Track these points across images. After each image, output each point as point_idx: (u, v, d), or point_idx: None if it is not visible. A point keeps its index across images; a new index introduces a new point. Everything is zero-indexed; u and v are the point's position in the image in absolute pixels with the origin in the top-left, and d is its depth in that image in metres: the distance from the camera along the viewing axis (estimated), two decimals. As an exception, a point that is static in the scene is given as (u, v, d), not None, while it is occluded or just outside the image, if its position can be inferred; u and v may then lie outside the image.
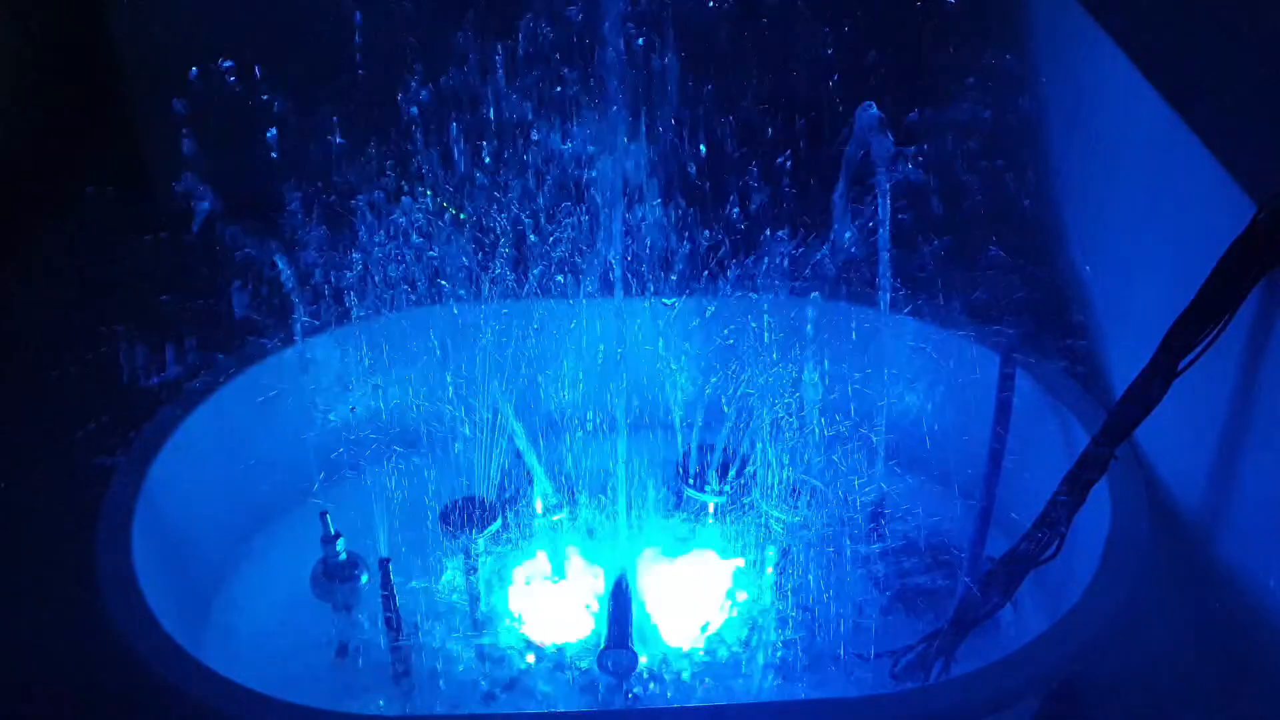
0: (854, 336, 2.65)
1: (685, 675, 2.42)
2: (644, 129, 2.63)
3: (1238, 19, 2.23)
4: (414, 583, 2.52)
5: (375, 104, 2.75)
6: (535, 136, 2.64)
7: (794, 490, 2.50)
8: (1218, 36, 2.27)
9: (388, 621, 2.38)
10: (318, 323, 2.75)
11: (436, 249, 2.68)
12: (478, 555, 2.49)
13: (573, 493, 2.73)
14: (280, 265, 2.53)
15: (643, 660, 2.40)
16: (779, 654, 2.45)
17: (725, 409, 2.65)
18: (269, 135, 2.68)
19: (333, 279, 2.64)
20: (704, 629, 2.51)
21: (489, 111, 2.69)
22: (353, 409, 2.65)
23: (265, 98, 2.83)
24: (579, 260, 2.68)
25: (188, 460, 2.47)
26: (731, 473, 2.68)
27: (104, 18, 3.42)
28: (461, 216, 2.52)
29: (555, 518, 2.71)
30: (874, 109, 2.38)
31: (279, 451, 2.71)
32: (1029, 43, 2.93)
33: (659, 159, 2.64)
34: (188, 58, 2.82)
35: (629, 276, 2.70)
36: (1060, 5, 2.71)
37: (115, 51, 3.45)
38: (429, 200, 2.60)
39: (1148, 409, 2.01)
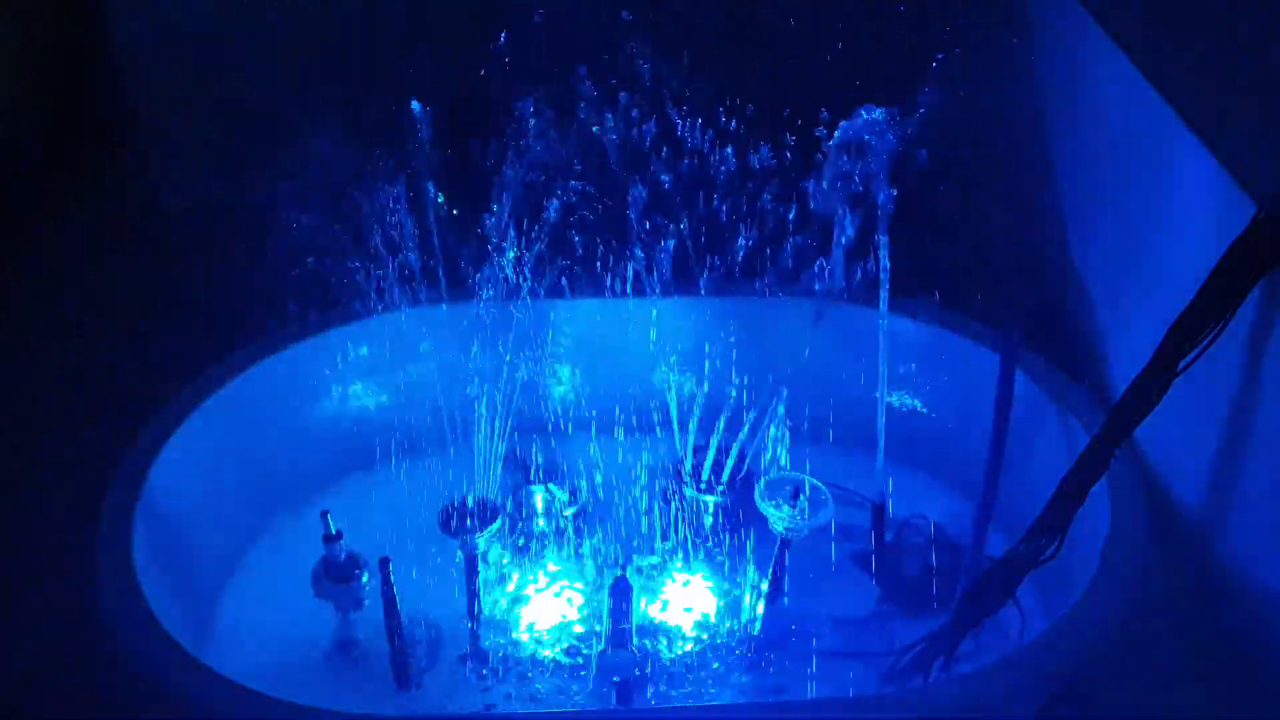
0: (853, 336, 2.65)
1: (685, 675, 2.42)
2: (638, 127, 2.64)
3: (1237, 19, 2.23)
4: (413, 583, 2.53)
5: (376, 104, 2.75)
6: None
7: (794, 490, 2.49)
8: (1217, 36, 2.26)
9: (388, 621, 2.38)
10: (318, 322, 2.75)
11: (441, 247, 2.69)
12: (478, 555, 2.48)
13: (573, 493, 2.73)
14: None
15: (641, 661, 2.41)
16: (779, 654, 2.45)
17: (726, 409, 2.65)
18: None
19: (334, 278, 2.65)
20: (704, 629, 2.51)
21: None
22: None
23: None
24: (579, 260, 2.68)
25: (188, 460, 2.47)
26: (731, 473, 2.68)
27: (104, 18, 3.42)
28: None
29: (561, 513, 2.71)
30: (873, 108, 2.38)
31: (279, 451, 2.71)
32: (1029, 43, 2.92)
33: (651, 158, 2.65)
34: (187, 58, 2.82)
35: (629, 277, 2.71)
36: (1060, 5, 2.71)
37: (115, 51, 3.45)
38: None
39: (1148, 409, 2.01)
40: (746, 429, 2.63)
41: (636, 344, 2.76)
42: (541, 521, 2.71)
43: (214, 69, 3.25)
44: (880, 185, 2.42)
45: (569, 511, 2.68)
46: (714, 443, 2.67)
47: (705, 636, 2.50)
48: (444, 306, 2.74)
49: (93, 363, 2.71)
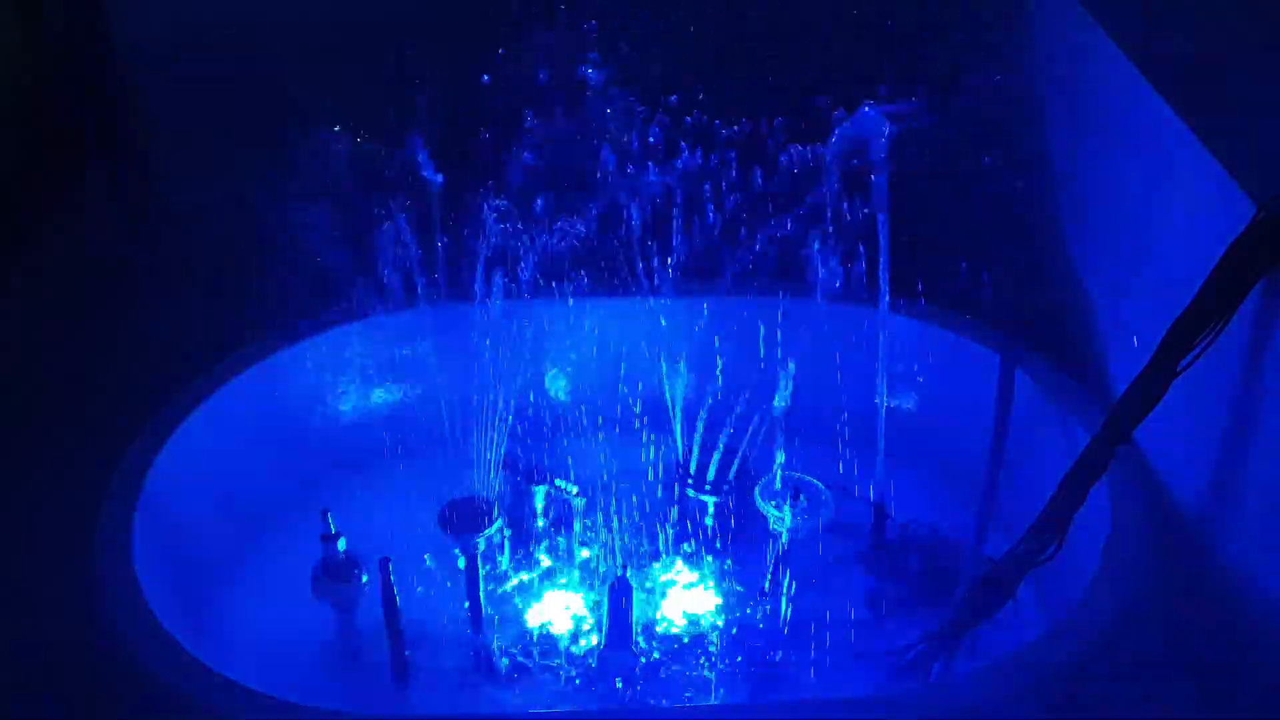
0: (854, 336, 2.65)
1: (685, 675, 2.42)
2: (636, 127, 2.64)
3: (1238, 19, 2.23)
4: (413, 582, 2.53)
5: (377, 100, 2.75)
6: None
7: (795, 490, 2.49)
8: (1218, 37, 2.27)
9: (388, 621, 2.38)
10: (318, 322, 2.75)
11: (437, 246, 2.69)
12: (478, 555, 2.48)
13: (573, 493, 2.73)
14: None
15: (642, 660, 2.41)
16: (779, 654, 2.45)
17: (726, 410, 2.65)
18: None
19: (332, 277, 2.65)
20: (704, 629, 2.51)
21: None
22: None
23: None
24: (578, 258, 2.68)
25: (188, 460, 2.47)
26: (732, 473, 2.68)
27: (103, 17, 3.42)
28: None
29: (571, 501, 2.71)
30: (872, 108, 2.38)
31: (279, 451, 2.71)
32: (1029, 43, 2.92)
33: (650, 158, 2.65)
34: (188, 57, 2.81)
35: (629, 276, 2.71)
36: (1060, 5, 2.71)
37: (115, 51, 3.45)
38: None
39: (1148, 408, 2.01)
40: (749, 430, 2.63)
41: (637, 344, 2.76)
42: (541, 521, 2.71)
43: (217, 64, 3.26)
44: (879, 184, 2.42)
45: (579, 503, 2.67)
46: (709, 443, 2.67)
47: (705, 636, 2.50)
48: (444, 306, 2.74)
49: (93, 362, 2.71)
